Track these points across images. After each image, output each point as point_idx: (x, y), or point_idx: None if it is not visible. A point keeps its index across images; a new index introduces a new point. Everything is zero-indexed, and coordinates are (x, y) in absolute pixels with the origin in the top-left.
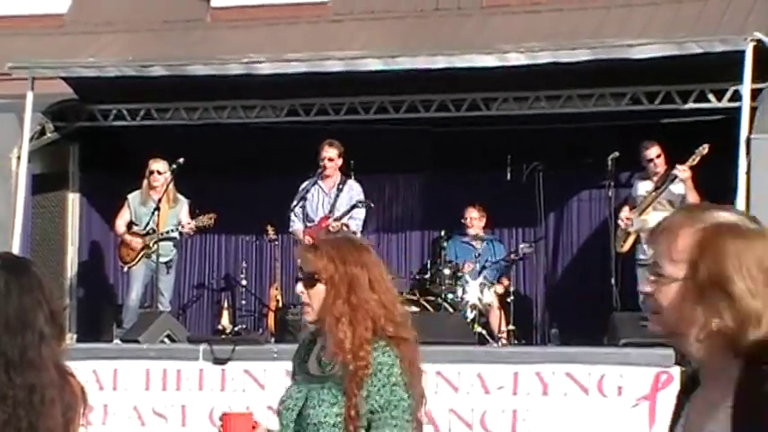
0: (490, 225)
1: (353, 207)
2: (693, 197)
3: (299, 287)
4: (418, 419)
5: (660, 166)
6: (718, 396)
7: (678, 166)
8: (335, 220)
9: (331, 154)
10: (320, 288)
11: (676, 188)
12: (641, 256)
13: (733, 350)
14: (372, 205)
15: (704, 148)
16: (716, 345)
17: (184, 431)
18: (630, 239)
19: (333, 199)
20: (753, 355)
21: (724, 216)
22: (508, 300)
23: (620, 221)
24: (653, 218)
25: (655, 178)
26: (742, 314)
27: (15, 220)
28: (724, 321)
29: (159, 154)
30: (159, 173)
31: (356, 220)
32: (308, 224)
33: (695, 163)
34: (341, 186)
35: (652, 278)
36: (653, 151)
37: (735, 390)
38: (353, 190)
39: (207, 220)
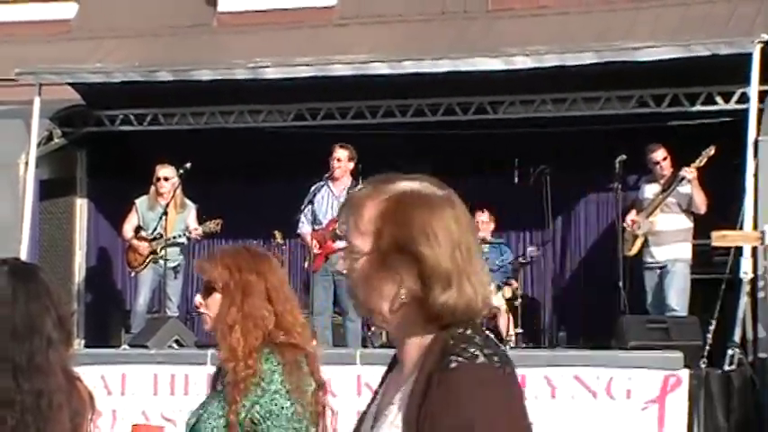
0: (497, 228)
1: None
2: (700, 198)
3: (198, 297)
4: (324, 427)
5: (666, 168)
6: (410, 367)
7: (685, 168)
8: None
9: (340, 155)
10: (217, 297)
11: (683, 189)
12: (649, 259)
13: (425, 317)
14: None
15: (711, 150)
16: (409, 314)
17: None
18: (638, 242)
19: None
20: (444, 319)
21: (408, 185)
22: (516, 303)
23: (626, 225)
24: (660, 220)
25: (662, 181)
26: (430, 278)
27: (23, 225)
28: (413, 287)
29: (166, 159)
30: (166, 179)
31: None
32: (316, 227)
33: (702, 164)
34: (350, 190)
35: (343, 256)
36: (659, 154)
37: (422, 357)
38: None
39: (214, 225)
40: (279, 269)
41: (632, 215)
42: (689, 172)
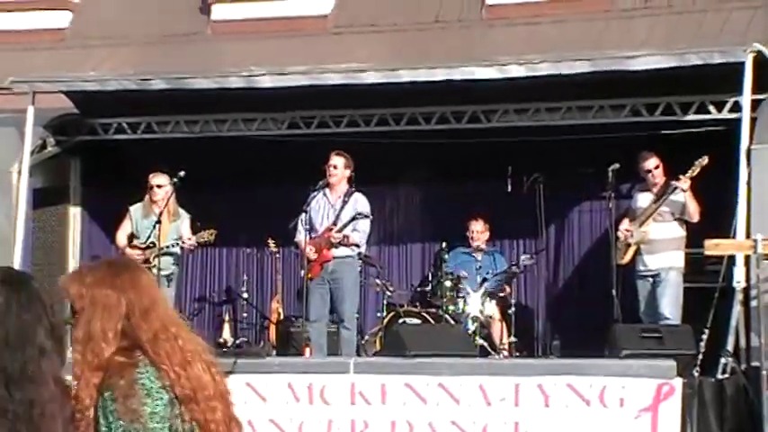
0: (491, 237)
1: (353, 219)
2: (693, 206)
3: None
4: None
5: (659, 176)
6: None
7: (679, 177)
8: (338, 231)
9: (336, 162)
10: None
11: (676, 197)
12: (641, 268)
13: None
14: (371, 218)
15: (704, 160)
16: None
17: None
18: (631, 251)
19: (338, 210)
20: None
21: None
22: (509, 312)
23: (619, 233)
24: (653, 229)
25: (654, 189)
26: None
27: (16, 234)
28: None
29: (160, 168)
30: (159, 186)
31: (360, 233)
32: (312, 234)
33: (695, 174)
34: (346, 198)
35: None
36: (651, 162)
37: None
38: (358, 202)
39: (208, 235)
40: (143, 281)
41: (625, 224)
42: (682, 182)
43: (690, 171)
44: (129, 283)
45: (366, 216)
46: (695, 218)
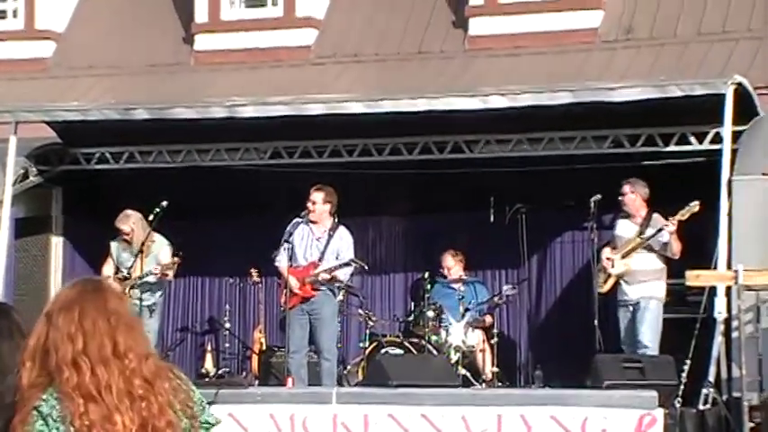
0: (473, 267)
1: (345, 265)
2: (676, 247)
3: None
4: None
5: (628, 204)
6: None
7: (669, 220)
8: (325, 271)
9: (315, 198)
10: None
11: (661, 238)
12: (622, 297)
13: None
14: (367, 267)
15: (695, 206)
16: None
17: None
18: (611, 281)
19: (323, 246)
20: None
21: None
22: (492, 342)
23: (602, 261)
24: (637, 260)
25: (636, 220)
26: None
27: None
28: None
29: (135, 203)
30: (126, 234)
31: (344, 272)
32: (294, 264)
33: (685, 218)
34: (331, 233)
35: None
36: (624, 188)
37: None
38: (343, 240)
39: (171, 264)
40: (101, 300)
41: (607, 252)
42: (671, 224)
43: (679, 214)
44: (62, 303)
45: (352, 265)
46: (677, 256)
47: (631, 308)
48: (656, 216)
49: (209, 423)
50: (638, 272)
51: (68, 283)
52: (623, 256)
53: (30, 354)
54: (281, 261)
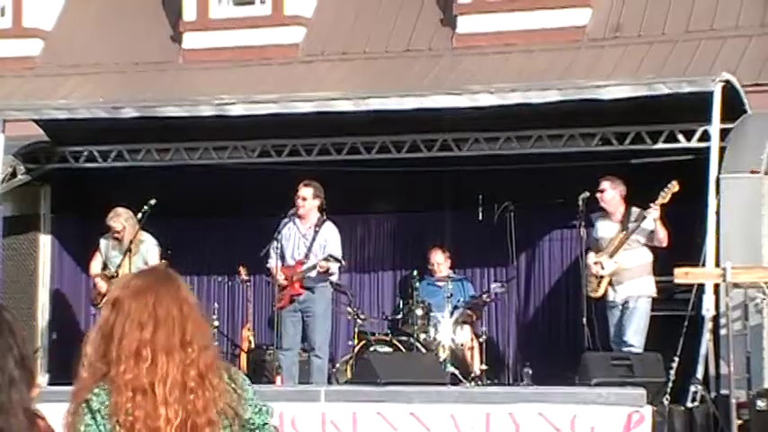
0: (461, 265)
1: (326, 260)
2: (663, 233)
3: None
4: None
5: (603, 201)
6: None
7: (650, 205)
8: (311, 268)
9: (304, 193)
10: None
11: (646, 225)
12: (611, 298)
13: None
14: (344, 264)
15: (674, 186)
16: None
17: None
18: (604, 283)
19: (309, 241)
20: None
21: None
22: (481, 340)
23: (589, 267)
24: (625, 257)
25: (614, 218)
26: None
27: None
28: None
29: (123, 202)
30: (118, 232)
31: (334, 265)
32: (283, 263)
33: (666, 200)
34: (318, 228)
35: None
36: (602, 185)
37: None
38: (329, 235)
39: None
40: (174, 288)
41: (591, 257)
42: (654, 209)
43: (660, 198)
44: (133, 291)
45: (337, 260)
46: (664, 243)
47: (620, 307)
48: (634, 209)
49: (253, 423)
50: (627, 269)
51: (135, 272)
52: (611, 255)
53: (92, 341)
54: (271, 261)
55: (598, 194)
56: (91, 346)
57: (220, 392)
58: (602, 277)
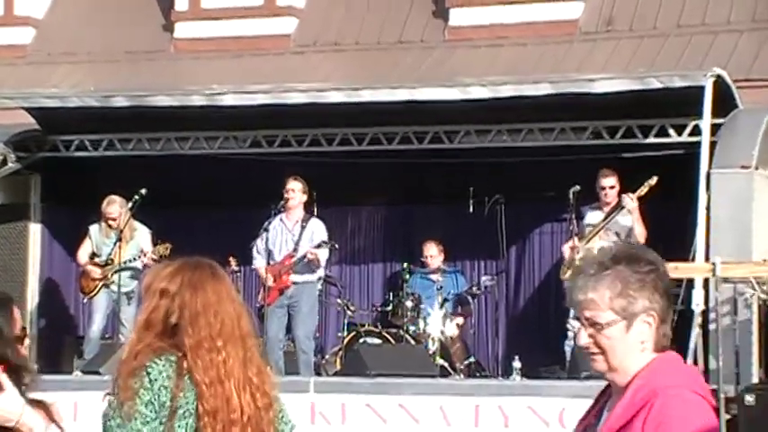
0: (452, 258)
1: (318, 246)
2: (640, 229)
3: None
4: None
5: (611, 196)
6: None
7: (627, 195)
8: (302, 256)
9: (293, 186)
10: None
11: (624, 220)
12: None
13: None
14: (337, 246)
15: (653, 180)
16: None
17: None
18: (573, 268)
19: (297, 237)
20: None
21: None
22: (470, 332)
23: (564, 250)
24: (598, 247)
25: (606, 208)
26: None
27: None
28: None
29: (116, 190)
30: (113, 219)
31: (322, 253)
32: (270, 261)
33: (644, 193)
34: (304, 224)
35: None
36: (608, 181)
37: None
38: (317, 229)
39: (164, 249)
40: (207, 285)
41: (572, 243)
42: (630, 200)
43: (638, 191)
44: (189, 283)
45: (329, 243)
46: (641, 240)
47: None
48: (620, 202)
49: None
50: None
51: (176, 261)
52: (587, 242)
53: (144, 325)
54: (256, 261)
55: (608, 190)
56: (142, 328)
57: (273, 386)
58: (572, 261)
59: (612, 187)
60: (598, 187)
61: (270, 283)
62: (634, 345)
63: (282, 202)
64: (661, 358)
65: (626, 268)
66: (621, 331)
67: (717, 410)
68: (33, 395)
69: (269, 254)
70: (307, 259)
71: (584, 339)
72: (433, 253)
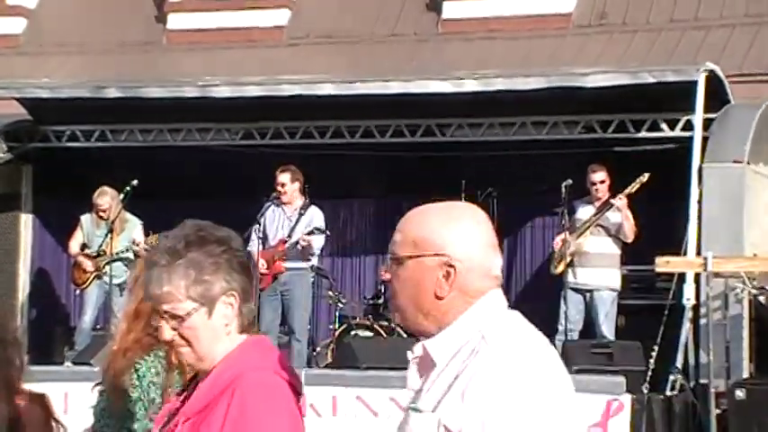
0: None
1: (310, 233)
2: (629, 226)
3: None
4: None
5: (602, 191)
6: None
7: (617, 197)
8: (296, 242)
9: (282, 179)
10: None
11: (613, 216)
12: (571, 279)
13: None
14: (329, 233)
15: (644, 177)
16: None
17: None
18: (564, 262)
19: (293, 223)
20: None
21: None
22: None
23: (555, 244)
24: (588, 243)
25: (597, 203)
26: None
27: None
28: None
29: (106, 182)
30: (104, 210)
31: (317, 240)
32: (265, 246)
33: (634, 191)
34: (302, 211)
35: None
36: (598, 176)
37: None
38: (314, 216)
39: (155, 240)
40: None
41: (562, 235)
42: (619, 199)
43: (628, 188)
44: None
45: (322, 231)
46: (630, 238)
47: (586, 295)
48: (610, 200)
49: None
50: (590, 255)
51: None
52: (577, 237)
53: (133, 315)
54: (252, 245)
55: (598, 185)
56: (129, 318)
57: None
58: (563, 255)
59: (603, 182)
60: (588, 183)
61: (263, 269)
62: (219, 329)
63: (275, 194)
64: (247, 341)
65: (198, 253)
66: (204, 318)
67: (298, 394)
68: (30, 387)
69: (264, 239)
70: (300, 246)
71: (167, 334)
72: None
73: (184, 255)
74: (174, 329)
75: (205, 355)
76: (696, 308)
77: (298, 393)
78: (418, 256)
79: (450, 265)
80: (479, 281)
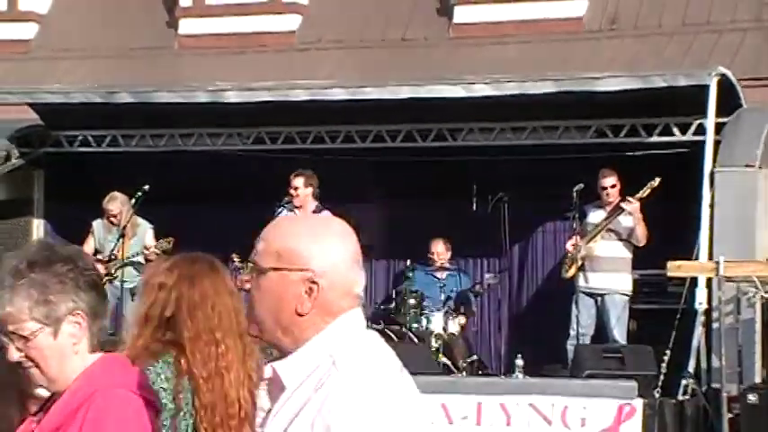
0: (454, 255)
1: None
2: (641, 230)
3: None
4: None
5: (613, 196)
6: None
7: (628, 199)
8: None
9: (296, 183)
10: None
11: (625, 220)
12: (582, 283)
13: None
14: None
15: (655, 181)
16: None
17: None
18: (575, 265)
19: None
20: None
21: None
22: (473, 330)
23: (567, 247)
24: (600, 247)
25: (608, 208)
26: None
27: None
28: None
29: (117, 188)
30: (114, 216)
31: None
32: None
33: (645, 195)
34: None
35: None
36: (609, 180)
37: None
38: None
39: (166, 244)
40: (205, 279)
41: (573, 239)
42: (630, 203)
43: (640, 192)
44: (186, 276)
45: None
46: (642, 242)
47: (594, 299)
48: (621, 204)
49: None
50: (602, 258)
51: (174, 257)
52: (589, 241)
53: (143, 320)
54: None
55: (609, 189)
56: (139, 323)
57: None
58: (574, 259)
59: (614, 186)
60: (599, 188)
61: None
62: (66, 349)
63: (287, 199)
64: (101, 359)
65: (42, 273)
66: (49, 338)
67: (157, 411)
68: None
69: None
70: None
71: (15, 355)
72: (440, 250)
73: (27, 275)
74: (20, 350)
75: (55, 375)
76: (708, 312)
77: (156, 410)
78: (282, 269)
79: (314, 282)
80: (341, 299)
